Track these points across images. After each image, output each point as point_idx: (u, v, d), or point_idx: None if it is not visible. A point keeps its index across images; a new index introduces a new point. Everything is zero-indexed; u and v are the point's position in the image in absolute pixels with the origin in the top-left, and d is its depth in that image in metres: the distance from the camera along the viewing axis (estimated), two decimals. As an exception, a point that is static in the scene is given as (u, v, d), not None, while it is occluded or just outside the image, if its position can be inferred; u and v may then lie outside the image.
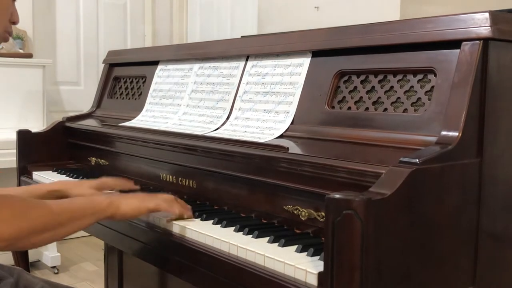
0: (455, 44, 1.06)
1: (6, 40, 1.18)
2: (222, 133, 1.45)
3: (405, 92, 1.15)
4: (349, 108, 1.25)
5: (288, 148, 1.21)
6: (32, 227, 1.02)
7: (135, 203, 1.22)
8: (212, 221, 1.25)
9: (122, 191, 1.48)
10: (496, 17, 1.03)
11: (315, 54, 1.35)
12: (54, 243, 3.29)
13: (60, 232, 1.08)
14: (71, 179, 1.77)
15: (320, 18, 2.96)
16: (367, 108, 1.21)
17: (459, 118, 1.00)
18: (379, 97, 1.20)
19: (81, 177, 1.77)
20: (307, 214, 1.16)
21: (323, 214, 1.11)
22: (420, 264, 0.94)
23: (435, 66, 1.09)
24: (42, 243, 1.06)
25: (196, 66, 1.72)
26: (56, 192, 1.41)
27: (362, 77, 1.24)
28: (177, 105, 1.72)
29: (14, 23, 1.18)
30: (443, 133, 1.01)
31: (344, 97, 1.27)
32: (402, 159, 0.95)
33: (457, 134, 0.99)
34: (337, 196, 0.85)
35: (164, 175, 1.58)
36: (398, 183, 0.88)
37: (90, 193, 1.40)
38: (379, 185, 0.90)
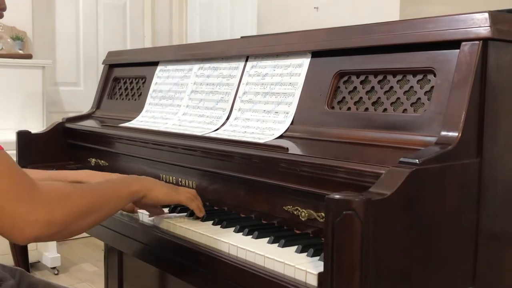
0: (454, 44, 1.06)
1: (1, 16, 1.14)
2: (222, 134, 1.45)
3: (404, 93, 1.15)
4: (349, 108, 1.25)
5: (288, 148, 1.21)
6: (80, 209, 1.01)
7: (166, 190, 1.25)
8: (212, 221, 1.25)
9: None
10: (496, 17, 1.03)
11: (315, 54, 1.35)
12: (54, 244, 3.29)
13: (103, 214, 1.09)
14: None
15: (319, 18, 2.96)
16: (366, 109, 1.21)
17: (459, 118, 1.00)
18: (379, 98, 1.20)
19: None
20: (307, 214, 1.16)
21: (323, 214, 1.11)
22: (420, 264, 0.94)
23: (435, 67, 1.09)
24: (87, 227, 1.05)
25: (195, 67, 1.72)
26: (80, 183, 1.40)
27: (362, 78, 1.24)
28: (177, 105, 1.72)
29: (2, 9, 1.14)
30: (443, 133, 1.01)
31: (343, 98, 1.27)
32: (402, 159, 0.95)
33: (456, 134, 0.99)
34: (337, 196, 0.85)
35: (163, 175, 1.58)
36: (398, 183, 0.88)
37: None
38: (379, 186, 0.90)
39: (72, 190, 1.02)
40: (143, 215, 1.35)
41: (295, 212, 1.19)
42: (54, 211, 0.94)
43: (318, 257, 1.00)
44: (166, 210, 1.38)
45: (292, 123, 1.34)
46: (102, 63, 2.21)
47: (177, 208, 1.37)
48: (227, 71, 1.59)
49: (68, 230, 0.98)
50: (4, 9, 1.15)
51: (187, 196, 1.28)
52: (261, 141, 1.31)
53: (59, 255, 3.29)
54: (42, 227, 0.92)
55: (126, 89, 2.05)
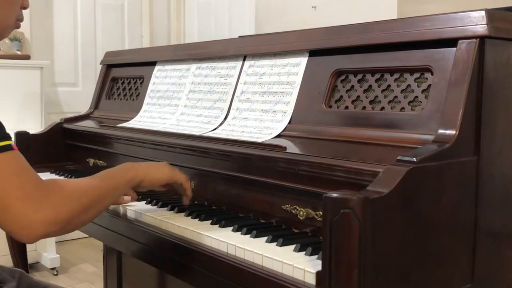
0: (451, 42, 1.06)
1: (18, 27, 1.16)
2: (220, 133, 1.45)
3: (402, 91, 1.15)
4: (346, 107, 1.25)
5: (285, 147, 1.21)
6: (84, 203, 1.04)
7: (164, 169, 1.29)
8: (210, 221, 1.25)
9: None
10: (492, 15, 1.03)
11: (312, 53, 1.35)
12: (53, 245, 3.29)
13: (105, 204, 1.13)
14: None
15: (317, 17, 2.96)
16: (364, 107, 1.21)
17: (456, 116, 1.00)
18: (376, 96, 1.20)
19: (79, 177, 1.76)
20: (305, 213, 1.17)
21: (321, 213, 1.11)
22: (418, 262, 0.94)
23: (432, 65, 1.09)
24: (90, 219, 1.09)
25: (193, 67, 1.72)
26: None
27: (359, 76, 1.24)
28: (175, 105, 1.72)
29: (25, 7, 1.16)
30: (440, 131, 1.01)
31: (341, 96, 1.27)
32: (399, 157, 0.95)
33: (454, 132, 0.99)
34: (335, 195, 0.85)
35: (162, 175, 1.58)
36: (396, 182, 0.89)
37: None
38: (377, 184, 0.90)
39: (75, 187, 1.05)
40: (143, 215, 1.35)
41: (293, 211, 1.19)
42: (59, 209, 0.97)
43: (316, 256, 1.00)
44: (143, 202, 1.42)
45: (290, 122, 1.34)
46: (100, 64, 2.21)
47: (153, 201, 1.42)
48: (225, 70, 1.59)
49: (72, 225, 1.02)
50: (26, 7, 1.16)
51: (183, 176, 1.33)
52: (259, 140, 1.31)
53: (58, 255, 3.29)
54: (48, 226, 0.95)
55: (124, 89, 2.05)
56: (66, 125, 2.03)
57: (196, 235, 1.18)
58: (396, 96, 1.16)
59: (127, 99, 2.02)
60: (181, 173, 1.33)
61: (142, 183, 1.25)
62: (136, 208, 1.38)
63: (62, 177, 1.83)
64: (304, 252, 1.02)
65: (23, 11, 1.16)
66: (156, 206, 1.40)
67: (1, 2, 1.08)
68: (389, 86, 1.18)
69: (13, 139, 1.94)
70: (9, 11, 1.10)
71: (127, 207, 1.41)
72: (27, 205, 0.94)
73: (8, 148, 0.97)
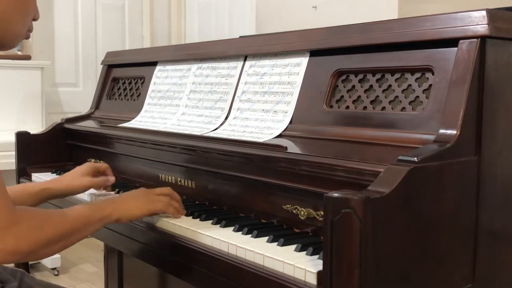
0: (452, 42, 1.06)
1: (28, 37, 1.18)
2: (221, 133, 1.45)
3: (403, 91, 1.15)
4: (347, 107, 1.25)
5: (286, 147, 1.21)
6: (48, 238, 1.03)
7: (141, 204, 1.24)
8: (211, 221, 1.25)
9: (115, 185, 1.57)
10: (493, 15, 1.03)
11: (313, 53, 1.35)
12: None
13: (72, 240, 1.11)
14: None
15: (318, 17, 2.96)
16: (365, 107, 1.21)
17: (457, 116, 1.00)
18: (377, 96, 1.20)
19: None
20: (306, 213, 1.17)
21: (322, 213, 1.11)
22: (419, 262, 0.94)
23: (433, 65, 1.09)
24: (55, 252, 1.08)
25: (194, 67, 1.72)
26: (49, 190, 1.43)
27: (360, 76, 1.24)
28: (176, 105, 1.72)
29: (36, 19, 1.18)
30: (441, 131, 1.01)
31: (342, 96, 1.27)
32: (400, 157, 0.95)
33: (455, 132, 0.99)
34: (336, 194, 0.85)
35: (163, 175, 1.58)
36: (397, 182, 0.89)
37: (88, 182, 1.47)
38: (378, 184, 0.90)
39: (46, 218, 1.05)
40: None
41: (294, 211, 1.19)
42: (22, 241, 0.98)
43: (317, 256, 1.00)
44: (112, 192, 1.47)
45: (290, 122, 1.34)
46: (101, 64, 2.21)
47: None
48: (225, 70, 1.59)
49: (34, 256, 1.03)
50: (37, 18, 1.18)
51: (163, 203, 1.27)
52: (260, 140, 1.31)
53: (59, 256, 3.28)
54: (6, 256, 0.96)
55: (125, 89, 2.05)
56: (67, 125, 2.03)
57: (197, 235, 1.19)
58: (397, 96, 1.16)
59: (128, 99, 2.02)
60: (160, 201, 1.27)
61: (119, 222, 1.22)
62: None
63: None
64: (305, 252, 1.02)
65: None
66: (157, 206, 1.40)
67: (17, 13, 1.10)
68: (390, 86, 1.18)
69: (13, 139, 1.95)
70: (23, 22, 1.12)
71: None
72: None
73: None
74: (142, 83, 1.96)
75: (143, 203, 1.25)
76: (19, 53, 3.52)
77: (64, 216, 1.10)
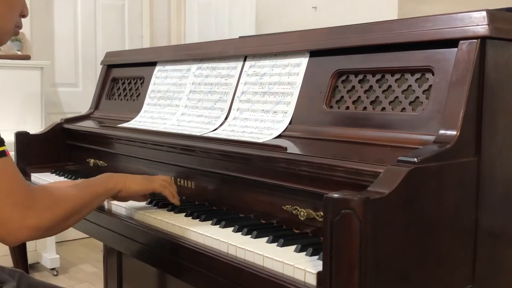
0: (452, 43, 1.06)
1: (17, 34, 1.19)
2: (221, 134, 1.45)
3: (403, 91, 1.15)
4: (347, 107, 1.25)
5: (286, 148, 1.21)
6: (65, 213, 1.08)
7: (140, 181, 1.33)
8: (211, 221, 1.25)
9: None
10: (494, 15, 1.03)
11: (313, 54, 1.35)
12: (53, 245, 3.29)
13: (83, 213, 1.17)
14: (69, 180, 1.77)
15: (318, 18, 2.96)
16: (365, 108, 1.21)
17: (457, 116, 1.00)
18: (377, 97, 1.20)
19: (79, 178, 1.76)
20: (306, 214, 1.16)
21: (321, 213, 1.11)
22: (418, 263, 0.94)
23: (433, 65, 1.09)
24: (69, 226, 1.13)
25: (194, 67, 1.72)
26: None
27: (360, 77, 1.24)
28: (175, 106, 1.72)
29: (24, 16, 1.19)
30: (441, 132, 1.01)
31: (342, 97, 1.27)
32: (400, 158, 0.95)
33: (455, 132, 0.99)
34: (335, 195, 0.85)
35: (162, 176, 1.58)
36: (396, 182, 0.88)
37: None
38: (377, 184, 0.90)
39: (60, 196, 1.10)
40: (142, 216, 1.35)
41: (294, 212, 1.19)
42: (43, 217, 1.03)
43: (317, 257, 1.00)
44: (144, 203, 1.43)
45: (290, 122, 1.34)
46: (101, 64, 2.21)
47: (153, 201, 1.42)
48: (225, 71, 1.59)
49: (53, 231, 1.08)
50: (26, 15, 1.19)
51: (160, 183, 1.35)
52: (260, 140, 1.31)
53: (58, 256, 3.28)
54: (31, 232, 1.01)
55: (124, 89, 2.05)
56: (66, 125, 2.03)
57: (197, 235, 1.18)
58: (397, 97, 1.16)
59: (127, 100, 2.02)
60: (159, 181, 1.35)
61: (120, 193, 1.29)
62: (135, 209, 1.38)
63: (62, 178, 1.83)
64: (304, 253, 1.02)
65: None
66: (156, 207, 1.40)
67: (2, 8, 1.10)
68: (390, 86, 1.18)
69: (13, 139, 1.94)
70: (8, 17, 1.12)
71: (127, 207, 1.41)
72: (15, 211, 0.98)
73: (2, 154, 1.00)
74: (141, 83, 1.96)
75: (142, 180, 1.33)
76: (19, 53, 3.52)
77: (74, 192, 1.15)
